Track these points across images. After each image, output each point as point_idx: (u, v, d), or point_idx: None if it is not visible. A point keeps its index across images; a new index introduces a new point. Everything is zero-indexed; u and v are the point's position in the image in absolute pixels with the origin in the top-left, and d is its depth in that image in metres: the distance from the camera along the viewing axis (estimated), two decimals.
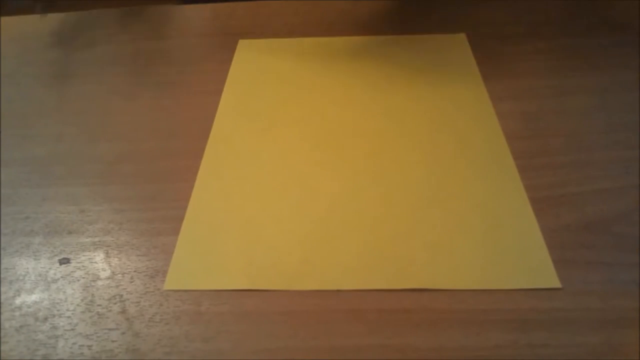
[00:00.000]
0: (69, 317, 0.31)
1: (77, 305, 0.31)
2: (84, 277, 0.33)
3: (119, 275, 0.33)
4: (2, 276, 0.33)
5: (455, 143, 0.40)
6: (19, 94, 0.49)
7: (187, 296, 0.31)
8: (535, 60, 0.48)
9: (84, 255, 0.34)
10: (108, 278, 0.33)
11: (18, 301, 0.32)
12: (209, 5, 0.59)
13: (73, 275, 0.33)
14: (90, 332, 0.30)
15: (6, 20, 0.59)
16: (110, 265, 0.33)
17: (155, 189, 0.38)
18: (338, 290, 0.31)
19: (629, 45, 0.49)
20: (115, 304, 0.31)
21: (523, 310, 0.29)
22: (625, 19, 0.52)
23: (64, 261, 0.34)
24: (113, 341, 0.30)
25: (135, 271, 0.33)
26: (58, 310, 0.31)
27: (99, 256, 0.34)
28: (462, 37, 0.51)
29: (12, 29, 0.58)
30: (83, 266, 0.34)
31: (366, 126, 0.42)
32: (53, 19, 0.59)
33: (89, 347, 0.29)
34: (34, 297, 0.32)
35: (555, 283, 0.30)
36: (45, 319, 0.31)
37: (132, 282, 0.32)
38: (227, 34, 0.54)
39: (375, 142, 0.40)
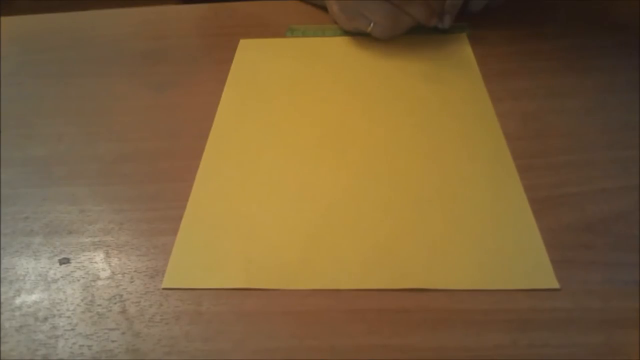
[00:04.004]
0: (69, 317, 0.31)
1: (77, 305, 0.31)
2: (84, 277, 0.33)
3: (119, 275, 0.33)
4: (2, 276, 0.33)
5: (455, 143, 0.40)
6: (19, 94, 0.49)
7: (187, 296, 0.31)
8: (535, 60, 0.48)
9: (84, 255, 0.34)
10: (108, 278, 0.33)
11: (18, 301, 0.32)
12: (209, 5, 0.59)
13: (73, 275, 0.33)
14: (90, 332, 0.30)
15: (6, 20, 0.59)
16: (110, 265, 0.33)
17: (156, 189, 0.38)
18: (338, 290, 0.31)
19: (629, 45, 0.49)
20: (115, 304, 0.31)
21: (523, 311, 0.29)
22: (625, 19, 0.52)
23: (64, 261, 0.34)
24: (113, 341, 0.30)
25: (135, 271, 0.33)
26: (58, 310, 0.31)
27: (99, 256, 0.34)
28: (462, 37, 0.51)
29: (12, 29, 0.58)
30: (83, 266, 0.34)
31: (366, 126, 0.42)
32: (52, 20, 0.59)
33: (89, 347, 0.29)
34: (34, 297, 0.32)
35: (554, 284, 0.30)
36: (45, 319, 0.31)
37: (132, 282, 0.32)
38: (227, 34, 0.54)
39: (375, 141, 0.40)
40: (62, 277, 0.33)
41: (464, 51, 0.49)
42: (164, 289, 0.32)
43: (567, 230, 0.33)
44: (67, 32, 0.57)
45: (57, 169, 0.40)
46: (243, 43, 0.52)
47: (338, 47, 0.51)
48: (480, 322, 0.29)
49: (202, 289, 0.32)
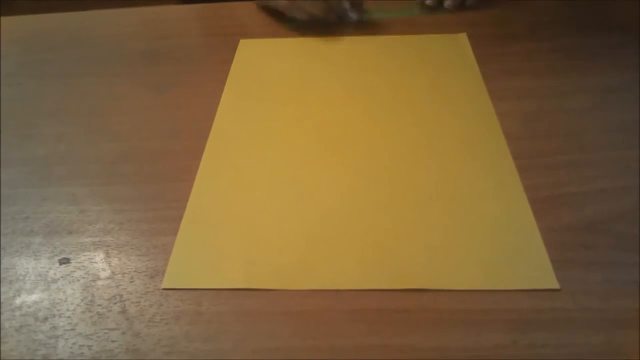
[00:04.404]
0: (69, 317, 0.31)
1: (77, 305, 0.31)
2: (84, 277, 0.33)
3: (119, 275, 0.33)
4: (2, 276, 0.33)
5: (455, 143, 0.40)
6: (19, 94, 0.49)
7: (187, 296, 0.31)
8: (535, 60, 0.48)
9: (84, 255, 0.34)
10: (108, 278, 0.33)
11: (18, 301, 0.32)
12: (209, 5, 0.59)
13: (73, 275, 0.33)
14: (90, 332, 0.30)
15: (6, 20, 0.59)
16: (110, 265, 0.33)
17: (156, 189, 0.38)
18: (338, 290, 0.31)
19: (629, 45, 0.49)
20: (115, 304, 0.31)
21: (523, 311, 0.29)
22: (625, 19, 0.52)
23: (64, 261, 0.34)
24: (113, 341, 0.30)
25: (135, 271, 0.33)
26: (58, 310, 0.31)
27: (99, 256, 0.34)
28: (463, 36, 0.51)
29: (12, 29, 0.58)
30: (83, 266, 0.34)
31: (366, 126, 0.42)
32: (52, 20, 0.59)
33: (89, 347, 0.29)
34: (34, 297, 0.32)
35: (554, 284, 0.30)
36: (45, 319, 0.31)
37: (132, 282, 0.32)
38: (227, 34, 0.54)
39: (375, 141, 0.40)
40: (62, 277, 0.33)
41: (464, 51, 0.49)
42: (164, 289, 0.32)
43: (567, 230, 0.33)
44: (67, 32, 0.57)
45: (57, 169, 0.40)
46: (243, 43, 0.52)
47: (337, 47, 0.51)
48: (480, 322, 0.29)
49: (202, 289, 0.32)
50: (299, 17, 0.53)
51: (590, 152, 0.39)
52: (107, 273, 0.33)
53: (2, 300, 0.32)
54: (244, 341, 0.29)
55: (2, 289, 0.33)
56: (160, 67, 0.51)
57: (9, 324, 0.31)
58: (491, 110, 0.42)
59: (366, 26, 0.54)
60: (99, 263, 0.34)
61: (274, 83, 0.47)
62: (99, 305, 0.31)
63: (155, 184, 0.38)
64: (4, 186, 0.39)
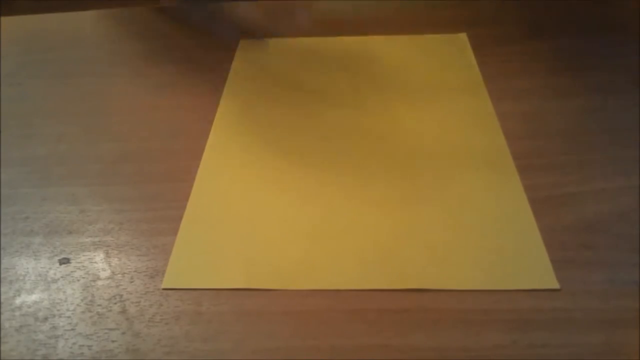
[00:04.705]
0: (69, 317, 0.31)
1: (77, 305, 0.31)
2: (84, 277, 0.33)
3: (119, 275, 0.33)
4: (2, 276, 0.33)
5: (455, 143, 0.40)
6: (19, 94, 0.49)
7: (187, 296, 0.31)
8: (535, 61, 0.48)
9: (84, 255, 0.34)
10: (108, 278, 0.33)
11: (18, 301, 0.32)
12: (209, 5, 0.59)
13: (73, 275, 0.33)
14: (90, 332, 0.30)
15: (6, 20, 0.59)
16: (110, 265, 0.33)
17: (156, 189, 0.38)
18: (338, 290, 0.31)
19: (629, 45, 0.49)
20: (115, 304, 0.31)
21: (523, 311, 0.29)
22: (625, 19, 0.53)
23: (64, 261, 0.34)
24: (113, 341, 0.29)
25: (135, 271, 0.33)
26: (58, 310, 0.31)
27: (99, 256, 0.34)
28: (462, 37, 0.51)
29: (12, 29, 0.58)
30: (83, 266, 0.34)
31: (366, 126, 0.42)
32: (52, 20, 0.59)
33: (89, 347, 0.29)
34: (34, 297, 0.32)
35: (554, 284, 0.30)
36: (45, 319, 0.31)
37: (132, 282, 0.32)
38: (227, 34, 0.54)
39: (375, 142, 0.40)
40: (62, 277, 0.33)
41: (464, 51, 0.49)
42: (164, 289, 0.32)
43: (567, 230, 0.33)
44: (67, 32, 0.57)
45: (57, 169, 0.40)
46: (243, 43, 0.52)
47: (337, 47, 0.51)
48: (480, 322, 0.29)
49: (202, 289, 0.32)
50: None
51: (590, 152, 0.39)
52: (107, 273, 0.33)
53: (2, 300, 0.32)
54: (244, 341, 0.29)
55: (2, 289, 0.33)
56: (160, 67, 0.51)
57: (9, 324, 0.31)
58: (491, 110, 0.42)
59: (366, 26, 0.54)
60: (99, 263, 0.34)
61: (274, 83, 0.47)
62: (99, 305, 0.31)
63: (155, 184, 0.38)
64: (4, 186, 0.39)
